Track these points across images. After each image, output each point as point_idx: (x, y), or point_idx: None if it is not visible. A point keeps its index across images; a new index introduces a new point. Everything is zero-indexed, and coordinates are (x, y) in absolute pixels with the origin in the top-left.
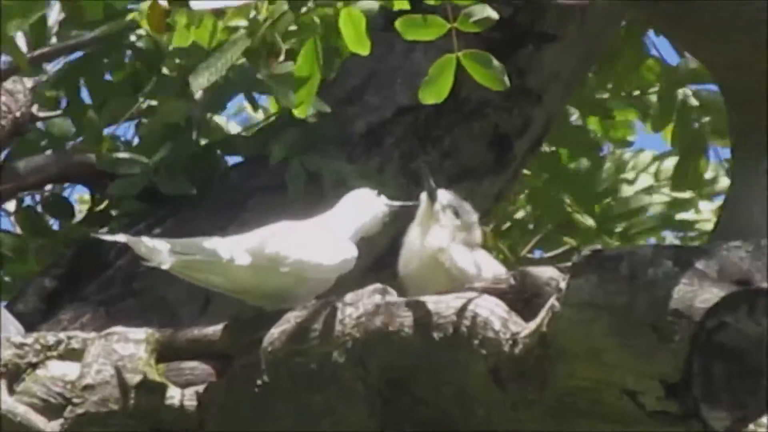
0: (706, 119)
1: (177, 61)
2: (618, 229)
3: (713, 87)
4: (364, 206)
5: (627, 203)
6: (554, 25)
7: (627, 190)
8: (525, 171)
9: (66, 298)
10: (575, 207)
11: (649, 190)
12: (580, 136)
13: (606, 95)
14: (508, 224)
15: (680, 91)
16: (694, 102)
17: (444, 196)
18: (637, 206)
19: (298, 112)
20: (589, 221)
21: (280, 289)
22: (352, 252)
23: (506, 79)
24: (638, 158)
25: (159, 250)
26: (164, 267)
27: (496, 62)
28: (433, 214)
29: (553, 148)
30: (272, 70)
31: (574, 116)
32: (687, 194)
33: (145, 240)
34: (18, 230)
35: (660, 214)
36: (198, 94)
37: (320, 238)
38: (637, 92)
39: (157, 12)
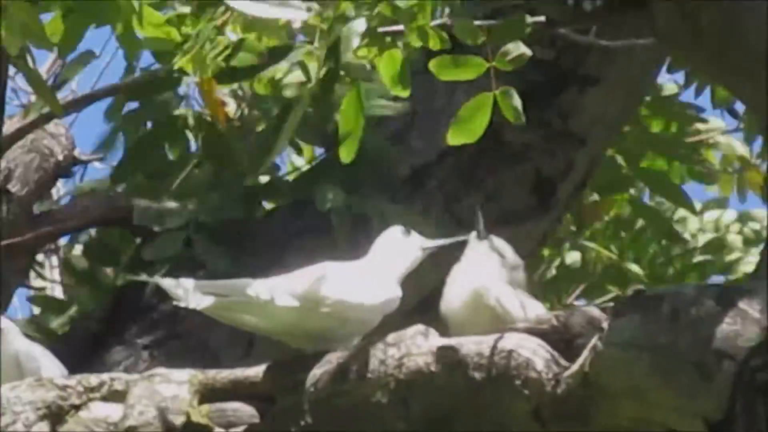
0: None
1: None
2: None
3: None
4: (399, 246)
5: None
6: (597, 67)
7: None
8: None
9: (110, 341)
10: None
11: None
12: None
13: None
14: (554, 273)
15: None
16: None
17: (492, 238)
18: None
19: (343, 156)
20: (636, 269)
21: (322, 329)
22: (396, 292)
23: (522, 115)
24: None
25: (193, 292)
26: (199, 308)
27: (516, 96)
28: (480, 254)
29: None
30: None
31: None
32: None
33: (181, 281)
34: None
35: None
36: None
37: (363, 278)
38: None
39: (215, 103)
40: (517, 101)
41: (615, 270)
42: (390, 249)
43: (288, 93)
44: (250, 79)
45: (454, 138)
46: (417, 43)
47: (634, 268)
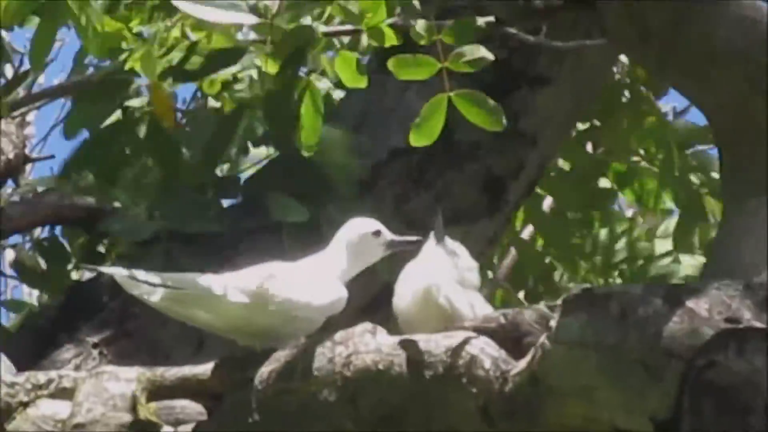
0: (704, 179)
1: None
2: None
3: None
4: (364, 242)
5: (649, 270)
6: (548, 67)
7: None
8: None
9: (60, 339)
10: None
11: (670, 255)
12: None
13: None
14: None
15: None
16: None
17: (448, 240)
18: (663, 273)
19: (306, 151)
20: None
21: (269, 327)
22: (342, 293)
23: (504, 119)
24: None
25: (148, 284)
26: (153, 299)
27: (491, 102)
28: (434, 254)
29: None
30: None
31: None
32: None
33: (135, 273)
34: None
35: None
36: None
37: (311, 278)
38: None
39: (164, 105)
40: (493, 106)
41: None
42: (353, 244)
43: (241, 94)
44: (200, 80)
45: (416, 139)
46: (372, 42)
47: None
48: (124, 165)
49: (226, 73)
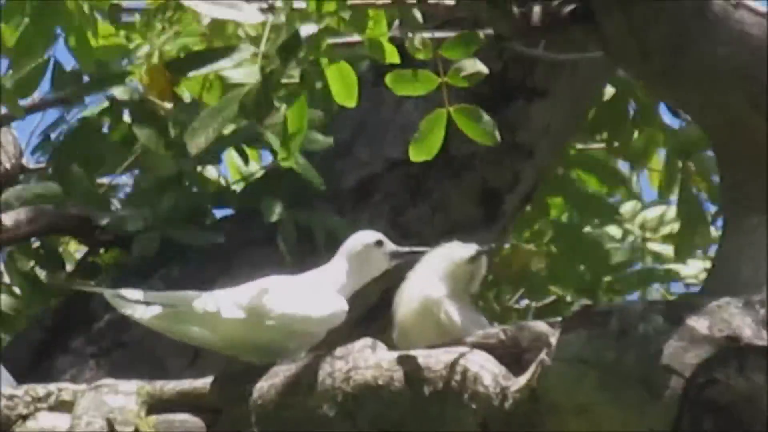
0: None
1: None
2: (606, 280)
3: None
4: (368, 255)
5: (613, 255)
6: (544, 79)
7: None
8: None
9: (56, 349)
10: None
11: (634, 243)
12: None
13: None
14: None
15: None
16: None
17: (450, 246)
18: (623, 260)
19: (284, 163)
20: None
21: (268, 342)
22: (342, 306)
23: (497, 133)
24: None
25: (138, 302)
26: (144, 318)
27: (486, 117)
28: (433, 263)
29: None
30: (266, 122)
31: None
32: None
33: (127, 292)
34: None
35: (646, 269)
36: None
37: (309, 292)
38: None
39: (162, 79)
40: (488, 121)
41: (558, 271)
42: (357, 256)
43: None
44: (197, 69)
45: (416, 155)
46: (371, 55)
47: (580, 267)
48: (109, 154)
49: (219, 68)
